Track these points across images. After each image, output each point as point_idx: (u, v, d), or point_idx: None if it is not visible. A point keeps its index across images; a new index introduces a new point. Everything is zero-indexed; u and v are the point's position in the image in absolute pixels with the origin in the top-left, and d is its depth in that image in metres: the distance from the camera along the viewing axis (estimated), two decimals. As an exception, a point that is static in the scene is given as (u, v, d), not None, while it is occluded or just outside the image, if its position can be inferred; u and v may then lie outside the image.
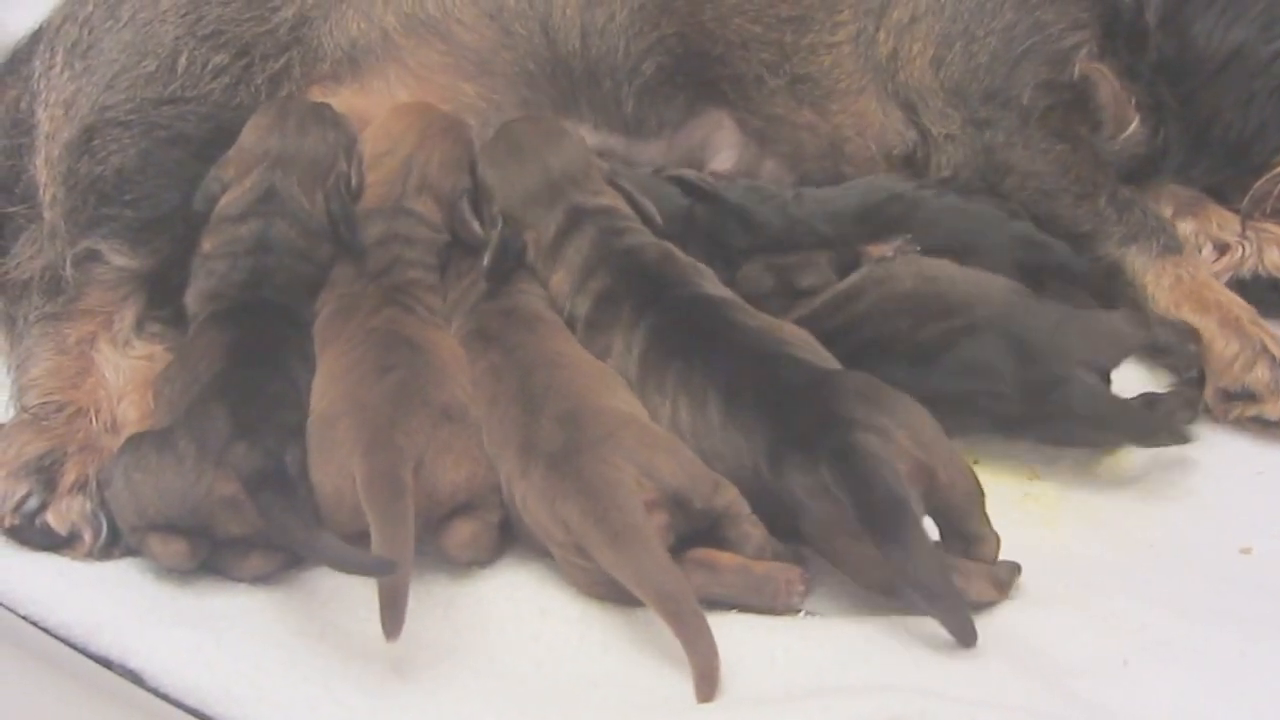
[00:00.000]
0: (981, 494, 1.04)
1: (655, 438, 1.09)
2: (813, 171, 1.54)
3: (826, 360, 1.15)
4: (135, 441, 1.14)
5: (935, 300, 1.24)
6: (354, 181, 1.39)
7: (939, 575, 0.98)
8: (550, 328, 1.26)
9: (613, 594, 1.06)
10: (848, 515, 0.98)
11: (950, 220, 1.39)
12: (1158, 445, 1.20)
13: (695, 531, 1.06)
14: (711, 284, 1.27)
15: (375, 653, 1.01)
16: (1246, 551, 1.16)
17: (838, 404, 1.03)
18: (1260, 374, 1.30)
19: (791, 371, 1.08)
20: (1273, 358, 1.30)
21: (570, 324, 1.28)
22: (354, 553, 1.03)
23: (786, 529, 1.07)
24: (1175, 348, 1.26)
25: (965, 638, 0.99)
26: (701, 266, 1.30)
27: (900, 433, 1.01)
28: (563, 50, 1.53)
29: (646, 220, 1.35)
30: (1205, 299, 1.37)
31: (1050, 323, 1.21)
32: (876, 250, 1.37)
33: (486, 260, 1.32)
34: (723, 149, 1.56)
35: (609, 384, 1.17)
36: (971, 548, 1.04)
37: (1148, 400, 1.26)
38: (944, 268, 1.30)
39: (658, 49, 1.53)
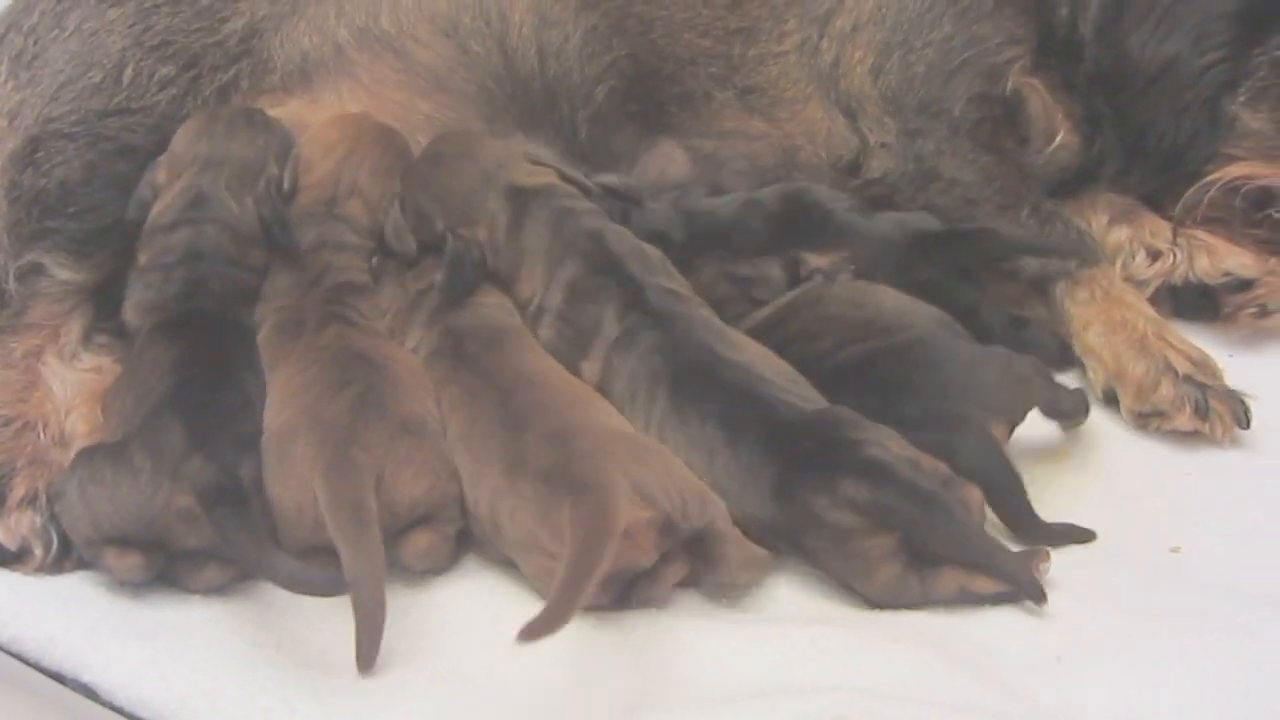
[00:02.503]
0: (944, 465, 1.12)
1: (646, 452, 1.12)
2: (769, 184, 1.54)
3: (805, 392, 1.18)
4: (89, 454, 1.14)
5: (860, 325, 1.27)
6: (286, 184, 1.39)
7: (990, 541, 1.10)
8: (516, 340, 1.27)
9: (591, 604, 1.06)
10: (877, 512, 1.05)
11: (862, 229, 1.41)
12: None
13: (679, 544, 1.08)
14: (676, 282, 1.30)
15: (331, 663, 1.02)
16: (1176, 550, 1.20)
17: (836, 432, 1.10)
18: (1165, 392, 1.34)
19: (785, 412, 1.13)
20: (1176, 373, 1.34)
21: (538, 316, 1.28)
22: (306, 573, 1.03)
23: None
24: (1069, 415, 1.29)
25: (1034, 594, 1.07)
26: (664, 259, 1.32)
27: (888, 440, 1.10)
28: (522, 70, 1.54)
29: (583, 190, 1.37)
30: (1113, 318, 1.41)
31: (966, 360, 1.22)
32: (815, 260, 1.40)
33: (441, 277, 1.32)
34: (676, 179, 1.57)
35: (589, 401, 1.19)
36: (960, 490, 1.11)
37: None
38: (875, 293, 1.32)
39: (610, 72, 1.54)
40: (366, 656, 1.00)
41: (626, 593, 1.08)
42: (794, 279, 1.40)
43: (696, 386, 1.16)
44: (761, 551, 1.11)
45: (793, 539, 1.11)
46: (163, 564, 1.12)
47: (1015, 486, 1.17)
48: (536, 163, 1.40)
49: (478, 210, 1.34)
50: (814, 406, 1.16)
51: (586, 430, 1.12)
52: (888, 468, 1.07)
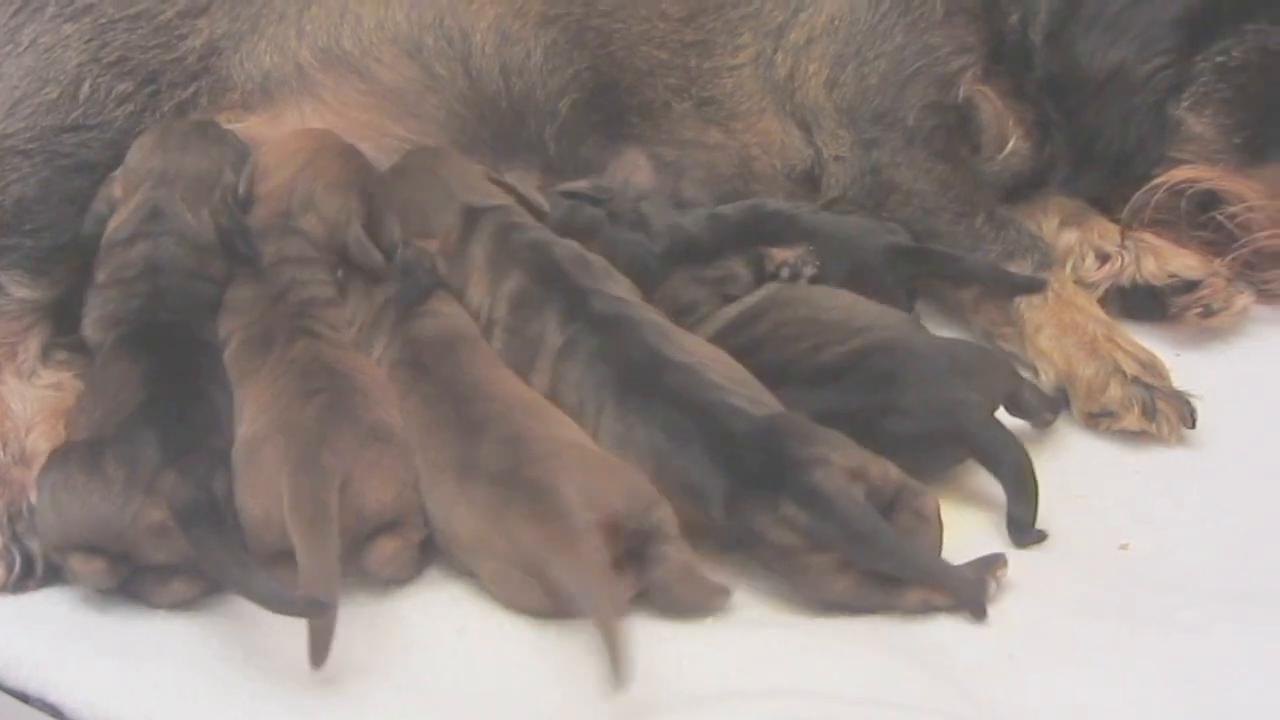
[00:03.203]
0: (898, 471, 1.13)
1: (595, 459, 1.13)
2: (727, 193, 1.58)
3: (756, 395, 1.19)
4: (62, 458, 1.14)
5: (835, 326, 1.28)
6: (242, 190, 1.39)
7: (934, 562, 1.11)
8: (472, 348, 1.28)
9: (545, 607, 1.09)
10: (814, 539, 1.07)
11: (827, 230, 1.44)
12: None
13: (628, 550, 1.09)
14: (624, 289, 1.31)
15: (298, 676, 1.02)
16: (1125, 547, 1.22)
17: (782, 448, 1.11)
18: (1114, 393, 1.36)
19: (733, 421, 1.14)
20: (1124, 375, 1.37)
21: (489, 329, 1.30)
22: (286, 592, 1.04)
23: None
24: (1034, 411, 1.31)
25: (976, 608, 1.09)
26: (609, 266, 1.34)
27: (833, 454, 1.10)
28: (488, 90, 1.55)
29: (537, 214, 1.39)
30: (1064, 320, 1.44)
31: (946, 350, 1.25)
32: (780, 255, 1.42)
33: (395, 285, 1.33)
34: (641, 187, 1.58)
35: (541, 410, 1.21)
36: (913, 501, 1.12)
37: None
38: (839, 297, 1.34)
39: (572, 85, 1.56)
40: (318, 653, 1.00)
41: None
42: (760, 275, 1.42)
43: (641, 395, 1.17)
44: (699, 569, 1.11)
45: (746, 547, 1.13)
46: (127, 574, 1.11)
47: (1026, 464, 1.20)
48: (496, 183, 1.42)
49: (434, 223, 1.37)
50: (763, 411, 1.16)
51: (538, 437, 1.14)
52: (828, 497, 1.07)
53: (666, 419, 1.15)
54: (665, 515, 1.10)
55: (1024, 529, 1.20)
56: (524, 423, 1.16)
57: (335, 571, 1.05)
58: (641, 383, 1.18)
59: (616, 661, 0.98)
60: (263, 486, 1.11)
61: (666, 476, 1.13)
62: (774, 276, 1.42)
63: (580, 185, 1.49)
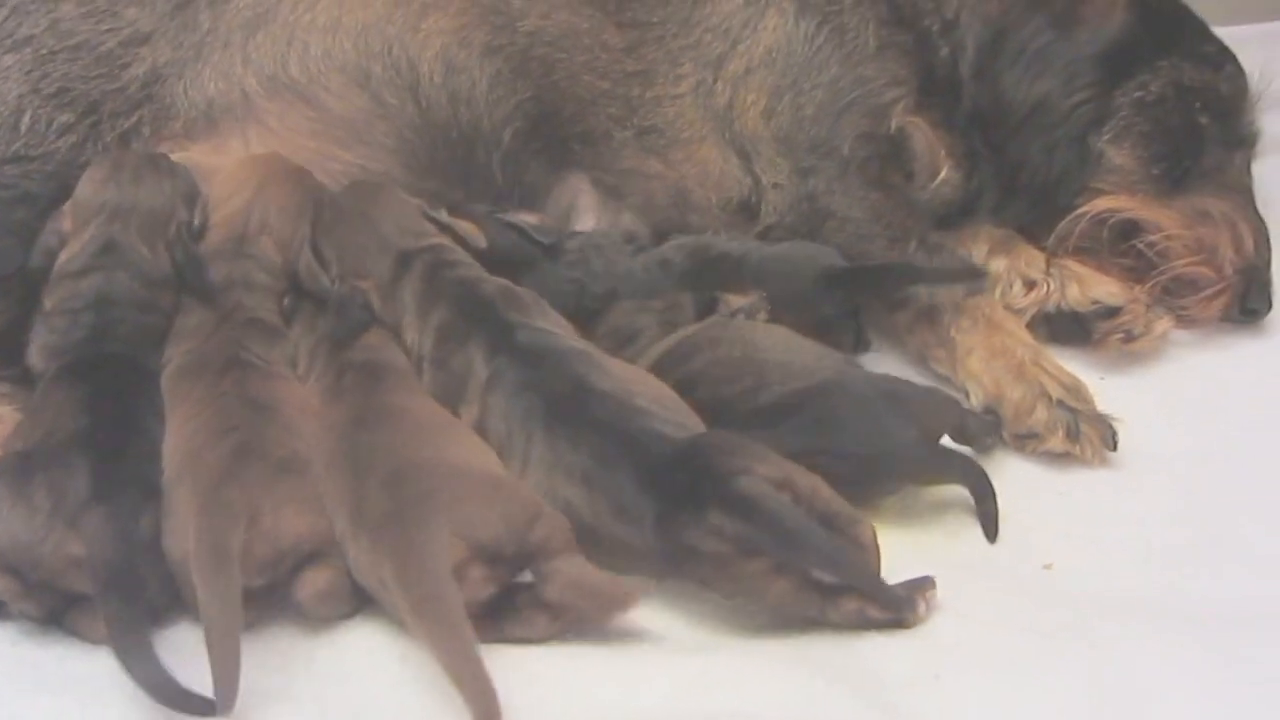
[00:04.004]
0: (832, 493, 1.15)
1: (472, 488, 1.12)
2: (662, 222, 1.61)
3: (681, 419, 1.21)
4: None
5: (773, 366, 1.30)
6: (197, 222, 1.40)
7: (865, 566, 1.12)
8: (398, 379, 1.29)
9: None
10: (744, 545, 1.08)
11: (777, 270, 1.47)
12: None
13: (518, 571, 1.10)
14: (552, 323, 1.33)
15: (241, 710, 1.02)
16: (1049, 567, 1.25)
17: (706, 463, 1.12)
18: (1040, 415, 1.40)
19: (658, 445, 1.16)
20: (1049, 398, 1.41)
21: (419, 365, 1.31)
22: (178, 688, 1.02)
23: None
24: (978, 437, 1.35)
25: (903, 611, 1.11)
26: (539, 299, 1.35)
27: (757, 465, 1.12)
28: (438, 119, 1.56)
29: (474, 252, 1.40)
30: (994, 345, 1.48)
31: (886, 392, 1.28)
32: (735, 300, 1.45)
33: (329, 320, 1.35)
34: (585, 212, 1.62)
35: (441, 433, 1.20)
36: (850, 529, 1.14)
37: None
38: (775, 334, 1.36)
39: (516, 114, 1.58)
40: (225, 698, 0.99)
41: (497, 629, 1.10)
42: (707, 308, 1.45)
43: (568, 423, 1.19)
44: (593, 577, 1.10)
45: (681, 569, 1.14)
46: (55, 603, 1.11)
47: (977, 472, 1.25)
48: (433, 221, 1.43)
49: (368, 265, 1.39)
50: (688, 434, 1.18)
51: (419, 470, 1.13)
52: (752, 500, 1.09)
53: (593, 446, 1.16)
54: (549, 529, 1.09)
55: (993, 525, 1.26)
56: (409, 450, 1.16)
57: (237, 611, 1.04)
58: (568, 411, 1.20)
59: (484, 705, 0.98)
60: (180, 529, 1.11)
61: (598, 502, 1.15)
62: (732, 316, 1.43)
63: (528, 220, 1.51)
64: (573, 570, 1.10)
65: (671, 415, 1.21)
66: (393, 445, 1.17)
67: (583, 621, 1.11)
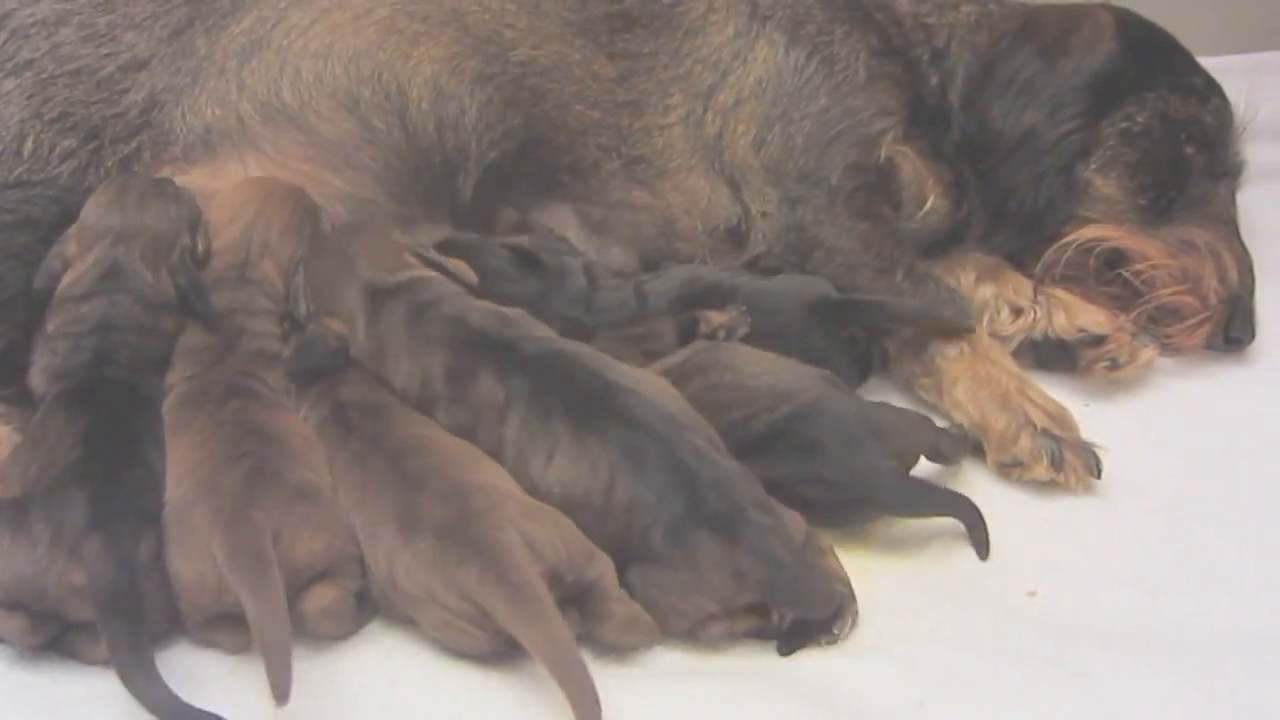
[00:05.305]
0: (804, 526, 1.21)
1: (535, 511, 1.16)
2: (650, 252, 1.63)
3: (709, 434, 1.23)
4: None
5: (766, 392, 1.31)
6: (200, 249, 1.41)
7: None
8: (399, 413, 1.30)
9: (491, 651, 1.12)
10: (744, 586, 1.12)
11: (769, 303, 1.48)
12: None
13: (566, 600, 1.12)
14: (543, 331, 1.34)
15: (231, 731, 1.04)
16: (1032, 594, 1.26)
17: (741, 497, 1.16)
18: (1024, 444, 1.42)
19: (697, 462, 1.17)
20: (1034, 427, 1.43)
21: (430, 405, 1.31)
22: (182, 705, 1.03)
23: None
24: (952, 457, 1.37)
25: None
26: (527, 315, 1.36)
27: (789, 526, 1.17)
28: (422, 144, 1.57)
29: (461, 282, 1.41)
30: (979, 373, 1.49)
31: (862, 414, 1.29)
32: (716, 318, 1.46)
33: (288, 356, 1.35)
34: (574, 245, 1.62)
35: (479, 463, 1.23)
36: (821, 559, 1.20)
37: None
38: (763, 360, 1.37)
39: (505, 142, 1.59)
40: (280, 689, 1.02)
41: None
42: (687, 335, 1.46)
43: (594, 416, 1.20)
44: (645, 615, 1.15)
45: (646, 578, 1.15)
46: (55, 630, 1.12)
47: (930, 493, 1.28)
48: (422, 259, 1.42)
49: (339, 304, 1.38)
50: (727, 462, 1.20)
51: (478, 489, 1.17)
52: (771, 546, 1.12)
53: (623, 440, 1.17)
54: (604, 568, 1.14)
55: (984, 548, 1.29)
56: (461, 476, 1.19)
57: (283, 604, 1.06)
58: (592, 404, 1.21)
59: (586, 706, 1.02)
60: (195, 550, 1.13)
61: (615, 495, 1.16)
62: (710, 337, 1.45)
63: (524, 243, 1.51)
64: (627, 609, 1.14)
65: (703, 429, 1.23)
66: (440, 469, 1.19)
67: (614, 650, 1.14)
